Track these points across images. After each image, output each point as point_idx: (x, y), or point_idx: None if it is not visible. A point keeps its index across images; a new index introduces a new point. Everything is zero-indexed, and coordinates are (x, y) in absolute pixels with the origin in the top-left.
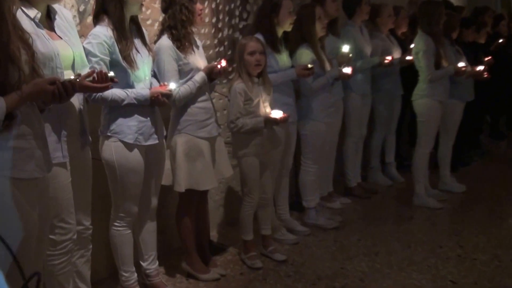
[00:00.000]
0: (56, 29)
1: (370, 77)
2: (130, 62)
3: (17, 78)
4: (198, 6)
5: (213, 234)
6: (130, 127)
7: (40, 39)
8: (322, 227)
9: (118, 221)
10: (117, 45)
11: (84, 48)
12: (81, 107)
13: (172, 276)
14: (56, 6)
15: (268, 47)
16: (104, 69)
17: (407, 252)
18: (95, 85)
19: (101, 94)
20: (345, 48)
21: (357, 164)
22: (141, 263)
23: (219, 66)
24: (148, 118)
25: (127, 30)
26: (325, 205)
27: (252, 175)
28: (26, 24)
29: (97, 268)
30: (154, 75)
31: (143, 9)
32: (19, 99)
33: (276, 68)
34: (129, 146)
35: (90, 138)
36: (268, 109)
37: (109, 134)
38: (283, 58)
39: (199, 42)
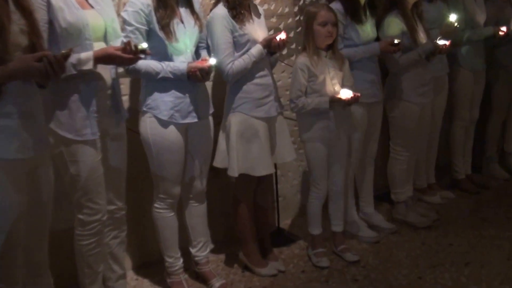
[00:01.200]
0: None
1: (483, 50)
2: (168, 32)
3: (1, 49)
4: None
5: (286, 223)
6: (166, 102)
7: (68, 8)
8: (411, 225)
9: (158, 202)
10: (155, 14)
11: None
12: (114, 80)
13: (230, 266)
14: None
15: (348, 17)
16: (139, 39)
17: (504, 266)
18: (121, 54)
19: (134, 65)
20: (452, 17)
21: (467, 152)
22: (190, 249)
23: (277, 38)
24: (187, 95)
25: None
26: (422, 199)
27: (317, 162)
28: None
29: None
30: (208, 47)
31: None
32: (3, 75)
33: (356, 41)
34: (164, 123)
35: (126, 114)
36: (337, 87)
37: (145, 109)
38: (366, 29)
39: (261, 11)
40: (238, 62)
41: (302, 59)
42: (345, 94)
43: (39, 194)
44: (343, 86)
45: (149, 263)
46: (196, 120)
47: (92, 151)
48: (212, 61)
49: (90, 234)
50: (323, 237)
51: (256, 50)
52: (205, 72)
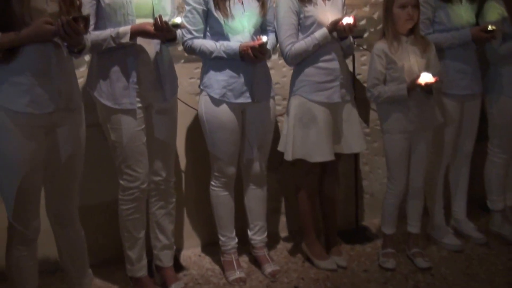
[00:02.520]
0: None
1: None
2: (223, 10)
3: (18, 13)
4: None
5: (373, 222)
6: (219, 81)
7: None
8: (505, 239)
9: (214, 180)
10: None
11: None
12: (158, 54)
13: (293, 255)
14: None
15: None
16: (196, 19)
17: None
18: (153, 30)
19: (190, 44)
20: None
21: None
22: (248, 231)
23: (344, 22)
24: (241, 75)
25: None
26: None
27: (395, 155)
28: None
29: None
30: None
31: None
32: (15, 38)
33: (448, 24)
34: (217, 102)
35: (174, 89)
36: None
37: (201, 87)
38: (459, 12)
39: None
40: (298, 44)
41: (380, 45)
42: (424, 78)
43: (57, 152)
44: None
45: (217, 242)
46: (249, 100)
47: (131, 120)
48: (264, 38)
49: (129, 199)
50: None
51: (320, 33)
52: (257, 51)
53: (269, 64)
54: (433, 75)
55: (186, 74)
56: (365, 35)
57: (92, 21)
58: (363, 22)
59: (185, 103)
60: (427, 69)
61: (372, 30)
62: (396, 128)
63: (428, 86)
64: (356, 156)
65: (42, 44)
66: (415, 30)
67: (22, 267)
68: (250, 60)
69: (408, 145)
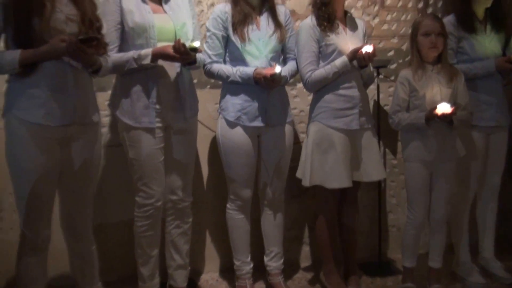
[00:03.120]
0: (164, 5)
1: None
2: (241, 35)
3: (38, 32)
4: None
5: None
6: (235, 105)
7: (139, 12)
8: None
9: (230, 203)
10: (232, 19)
11: None
12: (179, 76)
13: (312, 285)
14: None
15: (460, 28)
16: (216, 44)
17: None
18: (173, 53)
19: (209, 68)
20: None
21: None
22: (264, 257)
23: (363, 51)
24: (256, 99)
25: (244, 5)
26: None
27: (414, 184)
28: None
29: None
30: None
31: None
32: (33, 54)
33: (471, 55)
34: (232, 124)
35: (194, 111)
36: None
37: (219, 110)
38: (484, 42)
39: (359, 23)
40: (318, 71)
41: (405, 72)
42: (441, 108)
43: (72, 165)
44: (450, 104)
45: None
46: (262, 124)
47: (150, 138)
48: (277, 69)
49: (144, 216)
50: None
51: (340, 61)
52: (269, 80)
53: (294, 92)
54: (460, 106)
55: (212, 99)
56: (393, 66)
57: (116, 44)
58: (391, 53)
59: (207, 127)
60: (453, 99)
61: (400, 61)
62: (415, 156)
63: (445, 116)
64: (380, 188)
65: (59, 60)
66: (442, 58)
67: (30, 274)
68: (263, 86)
69: (428, 175)
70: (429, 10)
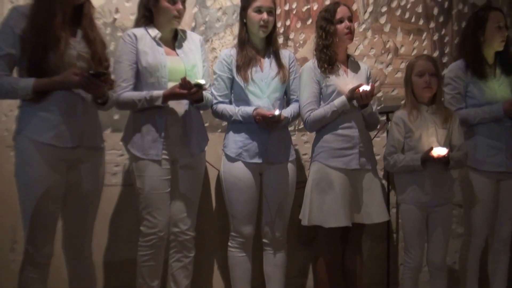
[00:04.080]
0: (177, 48)
1: None
2: (244, 75)
3: (52, 65)
4: (344, 25)
5: None
6: (236, 142)
7: (153, 53)
8: None
9: (231, 240)
10: (236, 62)
11: None
12: (186, 113)
13: None
14: (187, 32)
15: (468, 73)
16: (221, 85)
17: None
18: (181, 91)
19: (215, 108)
20: None
21: None
22: None
23: (361, 90)
24: (256, 137)
25: (249, 50)
26: None
27: (409, 227)
28: (147, 41)
29: None
30: None
31: None
32: (47, 83)
33: (480, 99)
34: (233, 160)
35: (201, 148)
36: (434, 145)
37: (223, 148)
38: (493, 87)
39: (363, 66)
40: (318, 111)
41: (400, 113)
42: (438, 151)
43: (78, 186)
44: (445, 145)
45: None
46: (260, 161)
47: (156, 169)
48: (277, 111)
49: (147, 246)
50: None
51: (339, 100)
52: (268, 121)
53: (305, 137)
54: (455, 147)
55: (222, 143)
56: None
57: (131, 82)
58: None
59: (216, 168)
60: (447, 140)
61: None
62: (411, 198)
63: (440, 159)
64: (388, 239)
65: (68, 91)
66: (436, 99)
67: None
68: (263, 126)
69: (423, 217)
70: (445, 59)
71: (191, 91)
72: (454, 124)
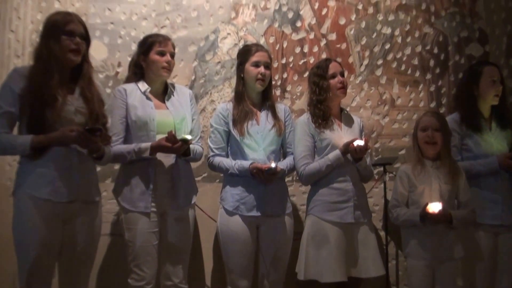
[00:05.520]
0: (166, 101)
1: None
2: (240, 129)
3: (51, 120)
4: (337, 79)
5: None
6: (233, 195)
7: (142, 107)
8: None
9: None
10: (232, 116)
11: None
12: (174, 166)
13: None
14: (177, 85)
15: (463, 126)
16: (218, 138)
17: None
18: (166, 144)
19: (211, 160)
20: None
21: None
22: None
23: (355, 144)
24: (253, 190)
25: (246, 104)
26: None
27: (414, 281)
28: (137, 95)
29: None
30: None
31: None
32: (43, 140)
33: (476, 152)
34: (230, 214)
35: (189, 200)
36: (435, 201)
37: (219, 201)
38: (489, 140)
39: (356, 120)
40: (312, 165)
41: (404, 167)
42: (432, 207)
43: (73, 241)
44: (450, 200)
45: None
46: (258, 214)
47: (145, 222)
48: (273, 164)
49: None
50: None
51: (333, 154)
52: (263, 174)
53: (303, 188)
54: (461, 204)
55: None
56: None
57: (121, 135)
58: (402, 151)
59: (213, 219)
60: (453, 195)
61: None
62: (415, 253)
63: (440, 216)
64: None
65: (65, 147)
66: (441, 155)
67: None
68: (259, 180)
69: (430, 272)
70: (442, 110)
71: (175, 146)
72: (461, 180)
